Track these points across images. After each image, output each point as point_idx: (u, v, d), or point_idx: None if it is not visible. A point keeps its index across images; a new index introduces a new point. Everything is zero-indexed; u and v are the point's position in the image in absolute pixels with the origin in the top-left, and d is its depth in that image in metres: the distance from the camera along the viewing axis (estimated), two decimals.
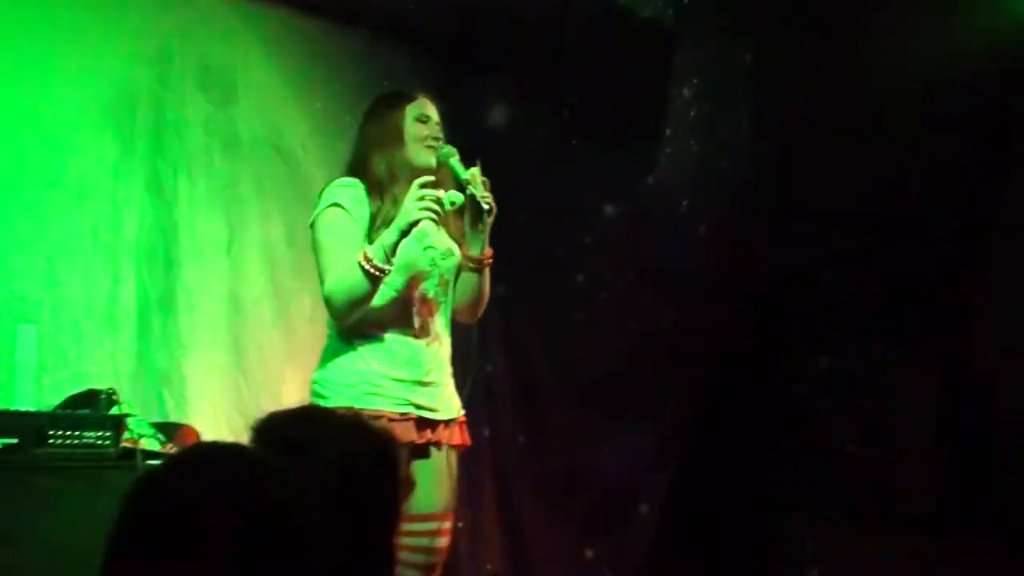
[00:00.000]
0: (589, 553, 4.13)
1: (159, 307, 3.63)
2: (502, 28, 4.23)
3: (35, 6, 3.43)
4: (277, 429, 1.65)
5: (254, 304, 3.85)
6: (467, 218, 2.80)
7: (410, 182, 2.71)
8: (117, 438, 2.81)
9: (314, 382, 2.83)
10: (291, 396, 3.74)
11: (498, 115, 4.44)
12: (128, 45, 3.65)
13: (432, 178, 2.71)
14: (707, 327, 3.95)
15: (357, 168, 2.85)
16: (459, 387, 2.91)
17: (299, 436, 1.62)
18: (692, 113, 3.99)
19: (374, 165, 2.81)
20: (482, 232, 2.78)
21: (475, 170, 2.76)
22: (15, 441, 2.62)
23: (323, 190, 2.86)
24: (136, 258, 3.63)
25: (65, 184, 3.48)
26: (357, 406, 2.66)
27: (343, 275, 2.68)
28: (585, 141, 4.21)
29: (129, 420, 2.93)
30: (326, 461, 1.59)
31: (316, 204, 2.84)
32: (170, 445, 2.91)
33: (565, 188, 4.26)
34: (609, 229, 4.19)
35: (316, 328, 3.96)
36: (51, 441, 2.69)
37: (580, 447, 4.16)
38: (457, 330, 2.97)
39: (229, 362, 3.75)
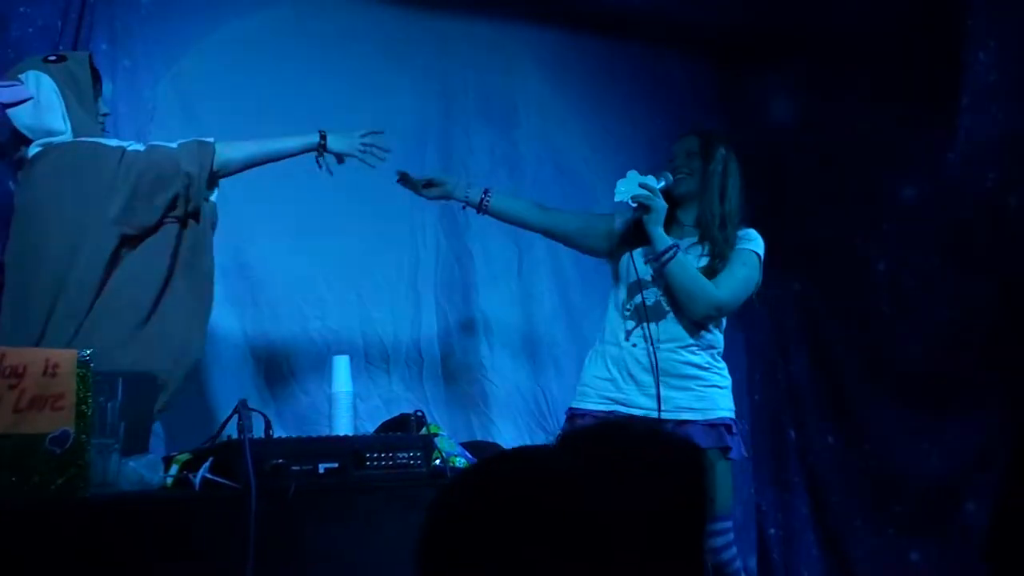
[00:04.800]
0: (914, 556, 3.89)
1: (459, 332, 3.79)
2: (777, 18, 4.09)
3: (337, 56, 3.67)
4: (580, 438, 1.66)
5: (547, 323, 3.92)
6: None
7: None
8: (428, 458, 2.94)
9: None
10: None
11: (782, 109, 4.30)
12: (416, 85, 3.84)
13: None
14: None
15: None
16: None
17: (602, 445, 1.62)
18: (991, 78, 3.68)
19: None
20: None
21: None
22: (336, 465, 2.76)
23: None
24: (435, 286, 3.80)
25: (368, 222, 3.70)
26: (572, 404, 3.09)
27: None
28: (875, 123, 3.98)
29: (437, 440, 3.07)
30: (631, 469, 1.59)
31: None
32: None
33: (858, 174, 4.05)
34: (909, 212, 3.94)
35: None
36: (368, 464, 2.82)
37: (896, 446, 3.92)
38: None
39: (528, 381, 3.84)
